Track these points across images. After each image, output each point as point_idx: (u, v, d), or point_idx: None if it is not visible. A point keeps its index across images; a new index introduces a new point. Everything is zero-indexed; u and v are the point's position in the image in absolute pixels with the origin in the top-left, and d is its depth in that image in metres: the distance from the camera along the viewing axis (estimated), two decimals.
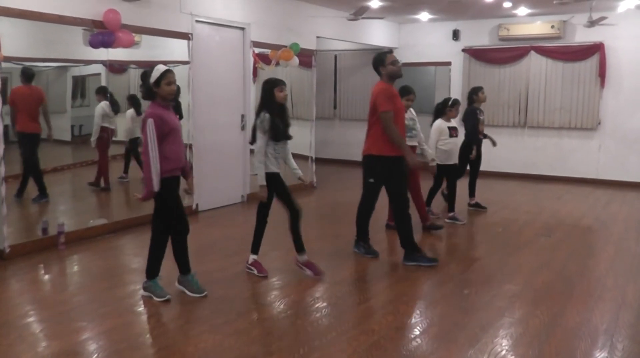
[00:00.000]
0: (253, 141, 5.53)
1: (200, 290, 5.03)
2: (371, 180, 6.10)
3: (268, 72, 9.57)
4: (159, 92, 4.74)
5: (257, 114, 5.51)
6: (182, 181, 5.08)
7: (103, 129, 7.57)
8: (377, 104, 5.87)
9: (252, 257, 5.77)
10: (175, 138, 4.84)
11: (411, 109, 7.35)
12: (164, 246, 5.01)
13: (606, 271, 6.05)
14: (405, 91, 7.11)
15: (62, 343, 4.14)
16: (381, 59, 6.01)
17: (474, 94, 8.75)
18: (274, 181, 5.52)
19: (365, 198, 6.28)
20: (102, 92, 7.58)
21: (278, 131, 5.44)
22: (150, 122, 4.64)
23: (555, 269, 6.06)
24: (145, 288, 5.03)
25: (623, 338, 4.34)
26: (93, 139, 7.55)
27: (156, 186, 4.66)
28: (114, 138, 7.74)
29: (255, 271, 5.69)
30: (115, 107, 7.61)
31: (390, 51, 6.14)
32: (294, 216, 5.62)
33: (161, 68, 4.76)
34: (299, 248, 5.71)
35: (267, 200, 5.53)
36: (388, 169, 5.98)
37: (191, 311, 4.76)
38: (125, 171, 8.23)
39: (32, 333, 4.34)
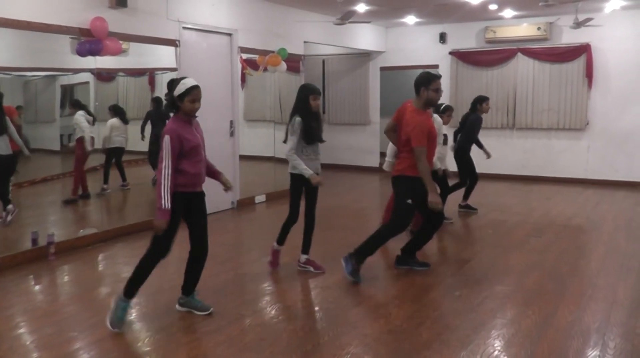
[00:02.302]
0: (286, 140, 5.75)
1: (206, 307, 4.87)
2: (409, 201, 5.68)
3: (256, 78, 9.59)
4: (182, 107, 4.50)
5: (291, 117, 5.71)
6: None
7: (80, 138, 7.47)
8: (412, 137, 5.53)
9: (277, 246, 6.01)
10: (197, 155, 4.58)
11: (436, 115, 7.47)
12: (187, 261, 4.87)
13: (597, 270, 6.08)
14: (447, 108, 7.87)
15: (53, 353, 4.12)
16: (428, 80, 5.62)
17: (479, 104, 8.65)
18: (302, 181, 5.71)
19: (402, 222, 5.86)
20: (77, 105, 7.50)
21: (311, 134, 5.65)
22: (166, 139, 4.38)
23: (546, 269, 6.08)
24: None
25: (615, 336, 4.35)
26: (88, 143, 7.45)
27: (166, 204, 4.37)
28: (93, 147, 7.66)
29: (269, 260, 5.99)
30: (91, 116, 7.50)
31: (439, 75, 5.84)
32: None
33: (188, 83, 4.49)
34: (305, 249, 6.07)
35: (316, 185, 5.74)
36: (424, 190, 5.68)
37: (183, 319, 4.74)
38: (106, 181, 8.12)
39: (23, 345, 4.32)
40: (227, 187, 4.99)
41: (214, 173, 4.94)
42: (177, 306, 4.90)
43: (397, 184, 5.80)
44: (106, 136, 7.84)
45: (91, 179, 7.70)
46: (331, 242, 7.12)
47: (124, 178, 8.33)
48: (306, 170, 5.61)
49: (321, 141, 5.86)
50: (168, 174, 4.38)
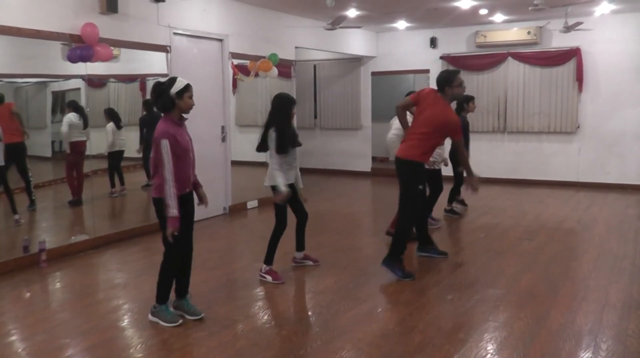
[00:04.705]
0: (259, 149, 5.80)
1: (198, 312, 4.84)
2: (420, 187, 5.92)
3: (247, 83, 9.59)
4: (180, 104, 4.49)
5: (267, 127, 5.68)
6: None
7: (74, 143, 7.48)
8: (455, 131, 5.72)
9: (266, 267, 5.85)
10: (186, 159, 4.59)
11: None
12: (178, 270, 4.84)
13: (589, 272, 6.09)
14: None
15: None
16: (449, 79, 5.71)
17: (465, 103, 8.65)
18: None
19: (414, 206, 6.02)
20: (72, 106, 7.51)
21: (287, 145, 5.62)
22: (165, 144, 4.35)
23: (539, 272, 6.09)
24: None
25: (607, 338, 4.37)
26: (64, 144, 7.48)
27: (174, 212, 4.35)
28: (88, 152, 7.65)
29: (270, 279, 5.75)
30: (85, 120, 7.48)
31: (458, 70, 5.92)
32: (303, 220, 6.09)
33: (183, 80, 4.51)
34: (300, 247, 6.23)
35: (283, 204, 5.73)
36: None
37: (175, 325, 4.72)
38: (113, 185, 8.21)
39: (15, 352, 4.29)
40: (202, 202, 4.94)
41: (194, 183, 4.89)
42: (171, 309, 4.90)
43: (406, 169, 5.85)
44: (112, 140, 8.00)
45: (85, 185, 7.65)
46: (324, 246, 7.11)
47: (122, 182, 8.35)
48: (284, 186, 5.63)
49: (297, 145, 5.83)
50: (171, 181, 4.37)
